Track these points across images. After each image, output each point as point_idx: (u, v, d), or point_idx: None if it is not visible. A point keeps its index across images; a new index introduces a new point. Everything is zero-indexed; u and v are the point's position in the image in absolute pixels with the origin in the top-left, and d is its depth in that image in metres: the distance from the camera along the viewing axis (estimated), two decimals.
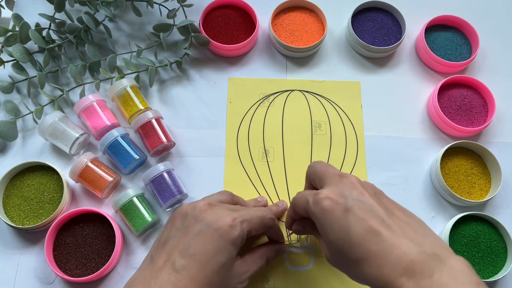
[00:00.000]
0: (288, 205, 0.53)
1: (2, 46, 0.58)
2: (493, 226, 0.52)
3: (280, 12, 0.64)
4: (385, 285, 0.33)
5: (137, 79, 0.58)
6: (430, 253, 0.33)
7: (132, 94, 0.56)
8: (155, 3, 0.61)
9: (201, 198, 0.46)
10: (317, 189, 0.42)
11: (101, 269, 0.48)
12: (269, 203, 0.54)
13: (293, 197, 0.43)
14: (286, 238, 0.51)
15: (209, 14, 0.62)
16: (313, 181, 0.43)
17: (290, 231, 0.51)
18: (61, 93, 0.57)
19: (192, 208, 0.42)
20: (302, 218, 0.44)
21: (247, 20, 0.63)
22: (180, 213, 0.42)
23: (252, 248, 0.46)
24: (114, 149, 0.53)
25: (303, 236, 0.52)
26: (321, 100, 0.60)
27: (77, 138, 0.53)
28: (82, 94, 0.58)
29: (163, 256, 0.39)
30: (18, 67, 0.57)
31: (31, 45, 0.59)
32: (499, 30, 0.66)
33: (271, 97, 0.60)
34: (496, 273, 0.50)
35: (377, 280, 0.34)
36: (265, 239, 0.50)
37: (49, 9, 0.61)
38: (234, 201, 0.47)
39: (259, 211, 0.44)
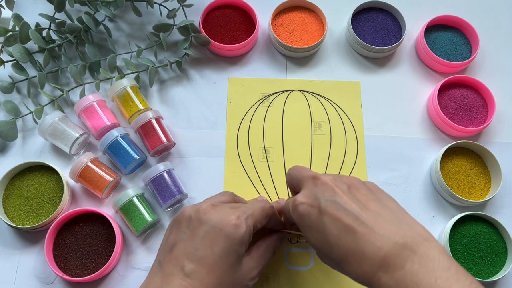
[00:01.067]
0: None
1: (2, 46, 0.58)
2: (493, 226, 0.52)
3: (280, 12, 0.64)
4: (367, 280, 0.34)
5: (137, 79, 0.58)
6: (402, 244, 0.33)
7: (132, 94, 0.56)
8: (155, 3, 0.61)
9: (203, 200, 0.45)
10: None
11: (101, 269, 0.48)
12: None
13: (283, 205, 0.45)
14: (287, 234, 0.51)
15: (209, 14, 0.62)
16: (294, 188, 0.44)
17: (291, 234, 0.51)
18: (61, 93, 0.57)
19: (195, 210, 0.42)
20: None
21: (247, 20, 0.63)
22: (184, 216, 0.42)
23: (257, 243, 0.45)
24: (114, 149, 0.53)
25: (303, 238, 0.52)
26: (321, 100, 0.60)
27: (77, 138, 0.53)
28: (82, 94, 0.58)
29: (172, 262, 0.39)
30: (18, 67, 0.57)
31: (31, 45, 0.59)
32: (499, 30, 0.66)
33: (271, 97, 0.60)
34: (496, 273, 0.50)
35: (359, 276, 0.35)
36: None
37: (49, 9, 0.61)
38: (235, 201, 0.47)
39: (257, 203, 0.44)
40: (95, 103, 0.54)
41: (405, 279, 0.32)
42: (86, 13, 0.57)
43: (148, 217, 0.51)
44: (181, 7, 0.60)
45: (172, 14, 0.59)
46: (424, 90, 0.62)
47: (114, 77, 0.58)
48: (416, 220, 0.37)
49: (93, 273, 0.48)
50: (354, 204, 0.37)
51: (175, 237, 0.41)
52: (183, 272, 0.38)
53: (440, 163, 0.55)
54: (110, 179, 0.52)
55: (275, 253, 0.46)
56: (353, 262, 0.35)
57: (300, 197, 0.39)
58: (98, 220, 0.51)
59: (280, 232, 0.48)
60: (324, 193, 0.38)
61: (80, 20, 0.58)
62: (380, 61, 0.63)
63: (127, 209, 0.51)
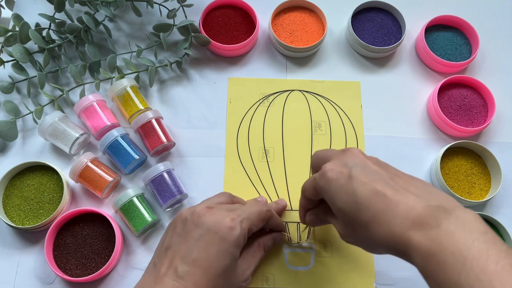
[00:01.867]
0: (288, 203, 0.54)
1: (2, 46, 0.58)
2: (493, 226, 0.52)
3: (280, 12, 0.64)
4: (395, 241, 0.34)
5: (137, 79, 0.58)
6: (436, 206, 0.33)
7: (132, 94, 0.56)
8: (155, 3, 0.61)
9: (200, 202, 0.46)
10: None
11: (101, 269, 0.48)
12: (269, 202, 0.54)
13: (302, 185, 0.43)
14: (286, 236, 0.52)
15: (209, 14, 0.62)
16: (318, 167, 0.43)
17: (290, 234, 0.52)
18: (61, 93, 0.57)
19: (191, 213, 0.42)
20: (314, 207, 0.44)
21: (247, 20, 0.63)
22: (180, 218, 0.42)
23: (247, 242, 0.45)
24: (114, 149, 0.53)
25: (303, 237, 0.52)
26: (321, 100, 0.60)
27: (77, 138, 0.53)
28: (82, 94, 0.58)
29: (165, 263, 0.39)
30: (18, 67, 0.57)
31: (31, 45, 0.59)
32: (499, 30, 0.66)
33: (271, 97, 0.60)
34: None
35: (388, 238, 0.34)
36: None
37: (49, 9, 0.61)
38: (233, 202, 0.47)
39: (254, 206, 0.44)
40: (95, 103, 0.54)
41: (440, 238, 0.31)
42: (86, 13, 0.57)
43: (148, 217, 0.51)
44: (181, 7, 0.60)
45: (172, 14, 0.59)
46: (424, 90, 0.62)
47: (114, 77, 0.58)
48: None
49: (93, 273, 0.48)
50: (384, 172, 0.37)
51: (170, 239, 0.41)
52: (176, 273, 0.38)
53: (440, 163, 0.55)
54: (110, 179, 0.52)
55: (266, 253, 0.46)
56: (382, 223, 0.34)
57: (329, 165, 0.39)
58: (98, 220, 0.51)
59: (274, 233, 0.48)
60: (355, 160, 0.38)
61: (80, 20, 0.58)
62: (380, 61, 0.63)
63: (127, 209, 0.51)
